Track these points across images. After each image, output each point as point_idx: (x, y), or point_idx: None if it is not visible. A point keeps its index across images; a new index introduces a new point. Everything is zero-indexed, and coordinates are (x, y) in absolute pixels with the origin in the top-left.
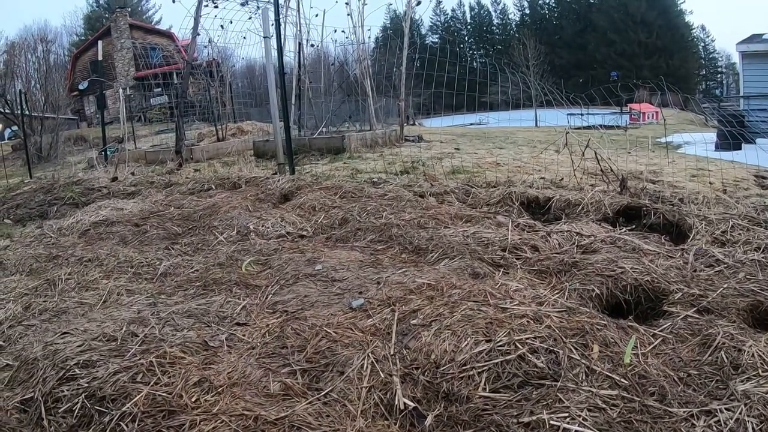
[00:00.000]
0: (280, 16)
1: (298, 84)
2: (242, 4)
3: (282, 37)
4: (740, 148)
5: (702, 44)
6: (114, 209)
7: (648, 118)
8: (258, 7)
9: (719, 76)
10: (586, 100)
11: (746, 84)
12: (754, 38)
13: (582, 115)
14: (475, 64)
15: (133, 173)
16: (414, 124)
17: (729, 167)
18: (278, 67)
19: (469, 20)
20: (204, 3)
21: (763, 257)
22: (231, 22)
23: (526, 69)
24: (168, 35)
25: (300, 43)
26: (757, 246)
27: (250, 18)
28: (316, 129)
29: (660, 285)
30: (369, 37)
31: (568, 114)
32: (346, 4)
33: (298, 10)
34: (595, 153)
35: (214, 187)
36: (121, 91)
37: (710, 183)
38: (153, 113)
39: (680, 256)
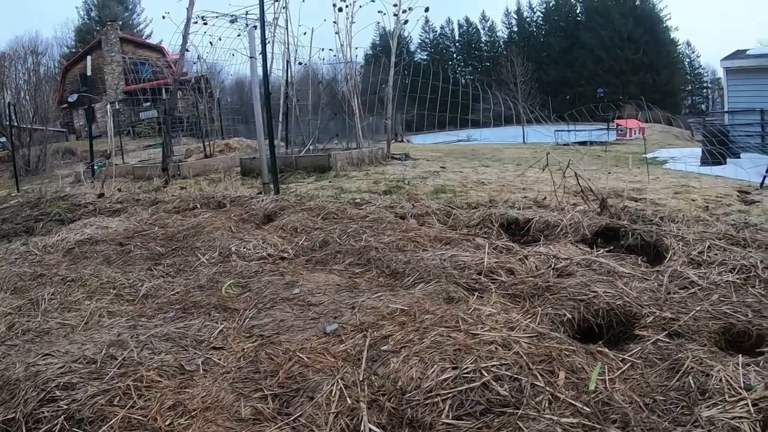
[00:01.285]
0: (268, 35)
1: (285, 102)
2: (231, 22)
3: (271, 55)
4: (725, 163)
5: (687, 60)
6: (99, 227)
7: (635, 134)
8: (246, 25)
9: (705, 91)
10: (575, 115)
11: (731, 99)
12: (738, 54)
13: (569, 131)
14: (463, 81)
15: (119, 189)
16: (402, 141)
17: (713, 183)
18: (264, 86)
19: (457, 37)
20: (193, 20)
21: (737, 278)
22: (220, 39)
23: (514, 86)
24: (158, 49)
25: (288, 61)
26: (733, 267)
27: (239, 35)
28: (303, 146)
29: (632, 309)
30: (356, 56)
31: (555, 130)
32: (334, 23)
33: (287, 29)
34: (575, 173)
35: (199, 206)
36: (108, 106)
37: (693, 200)
38: (142, 127)
39: (655, 278)
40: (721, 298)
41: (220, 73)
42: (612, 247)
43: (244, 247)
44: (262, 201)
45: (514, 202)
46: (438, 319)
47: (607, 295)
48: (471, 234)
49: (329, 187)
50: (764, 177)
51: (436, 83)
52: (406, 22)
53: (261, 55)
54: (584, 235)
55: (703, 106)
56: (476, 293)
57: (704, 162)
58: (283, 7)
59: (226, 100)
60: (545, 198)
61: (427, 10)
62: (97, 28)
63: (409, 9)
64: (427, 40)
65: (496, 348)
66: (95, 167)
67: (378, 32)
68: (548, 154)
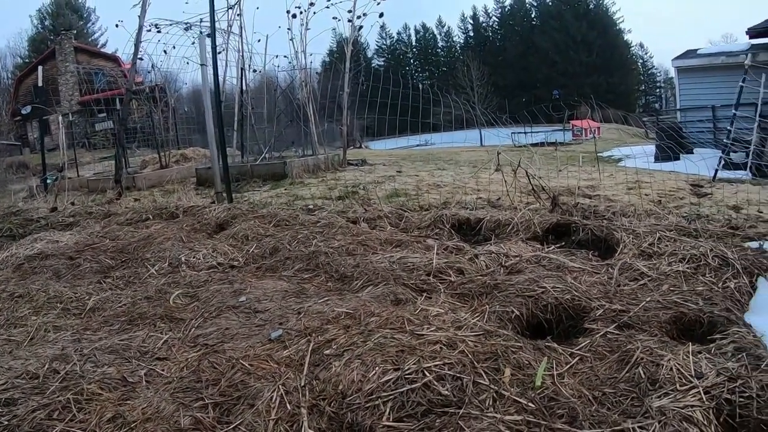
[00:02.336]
0: (222, 42)
1: (240, 110)
2: (185, 29)
3: (225, 63)
4: (679, 159)
5: (641, 61)
6: (50, 242)
7: (590, 134)
8: (201, 32)
9: (658, 90)
10: (531, 116)
11: (682, 97)
12: (689, 53)
13: (525, 133)
14: (421, 86)
15: (72, 203)
16: (360, 147)
17: (666, 177)
18: (215, 96)
19: (414, 43)
20: (146, 28)
21: (687, 268)
22: (174, 47)
23: (471, 90)
24: (113, 59)
25: (242, 69)
26: (683, 257)
27: (193, 43)
28: (259, 155)
29: (581, 302)
30: (311, 62)
31: (512, 133)
32: (288, 29)
33: (241, 36)
34: (526, 172)
35: (151, 217)
36: (60, 118)
37: (646, 195)
38: (97, 139)
39: (605, 271)
40: (672, 288)
41: (176, 82)
42: (563, 243)
43: (194, 257)
44: (215, 210)
45: (468, 203)
46: (383, 321)
47: (555, 290)
48: (422, 236)
49: (284, 194)
50: (716, 170)
51: (393, 88)
52: (360, 27)
53: (212, 63)
54: (535, 233)
55: (657, 105)
56: (424, 294)
57: (658, 159)
58: (238, 15)
59: (183, 109)
60: (499, 198)
61: (381, 15)
62: (52, 37)
63: (364, 15)
64: (384, 45)
65: (440, 348)
66: (48, 181)
67: (335, 39)
68: (499, 153)
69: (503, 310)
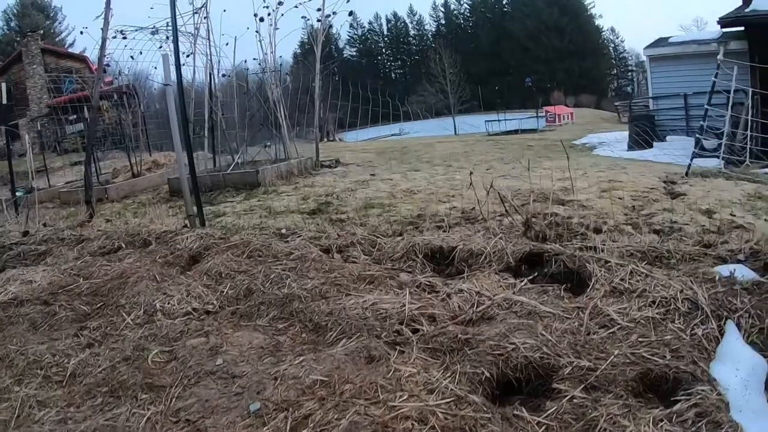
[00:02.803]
0: (189, 46)
1: (210, 116)
2: (153, 33)
3: (193, 68)
4: (652, 147)
5: (612, 45)
6: (23, 282)
7: (564, 119)
8: (167, 38)
9: (630, 74)
10: (502, 105)
11: (654, 85)
12: (661, 41)
13: (499, 121)
14: (393, 75)
15: (44, 224)
16: (334, 140)
17: (640, 172)
18: (181, 117)
19: (386, 32)
20: (111, 35)
21: (657, 313)
22: (141, 53)
23: (443, 78)
24: (81, 59)
25: (210, 74)
26: (653, 300)
27: (160, 47)
28: (232, 160)
29: (550, 360)
30: (281, 63)
31: (486, 121)
32: (257, 32)
33: (208, 39)
34: (499, 194)
35: (124, 245)
36: (27, 138)
37: (620, 198)
38: (68, 143)
39: (576, 316)
40: (640, 339)
41: (147, 79)
42: (536, 274)
43: (168, 303)
44: (187, 239)
45: (442, 217)
46: (357, 390)
47: (525, 346)
48: (395, 268)
49: (258, 207)
50: (689, 165)
51: (366, 79)
52: (330, 26)
53: (177, 80)
54: (508, 263)
55: (629, 89)
56: (397, 348)
57: (631, 147)
58: (204, 18)
59: (154, 107)
60: (473, 208)
61: (351, 14)
62: (18, 38)
63: (333, 13)
64: (355, 36)
65: (412, 425)
66: (18, 194)
67: (306, 30)
68: (471, 173)
69: (474, 372)
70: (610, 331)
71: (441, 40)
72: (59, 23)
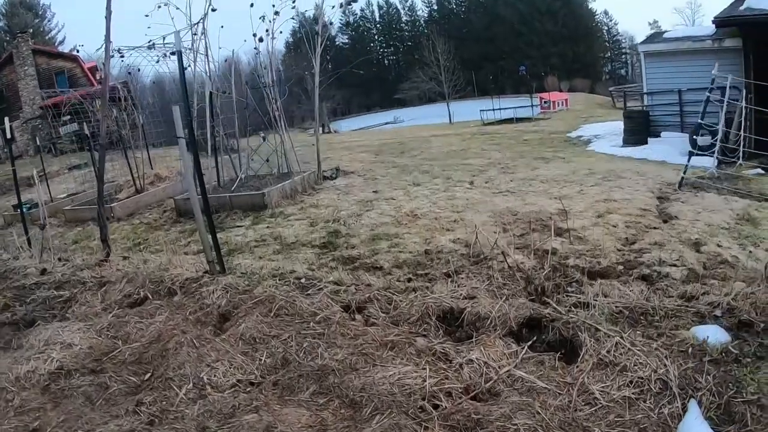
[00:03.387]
0: (187, 62)
1: (213, 134)
2: (149, 48)
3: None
4: (646, 143)
5: (606, 28)
6: (63, 346)
7: (558, 106)
8: (165, 55)
9: (623, 56)
10: (496, 90)
11: (649, 81)
12: (656, 37)
13: (494, 110)
14: (386, 62)
15: (60, 258)
16: (329, 132)
17: (634, 183)
18: (197, 174)
19: (378, 19)
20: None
21: (633, 393)
22: (139, 70)
23: (437, 65)
24: (72, 58)
25: (211, 93)
26: (631, 380)
27: (157, 61)
28: (232, 167)
29: None
30: (280, 77)
31: (480, 110)
32: (255, 48)
33: (207, 56)
34: (503, 253)
35: (150, 295)
36: (7, 125)
37: (614, 226)
38: (63, 144)
39: (566, 392)
40: (617, 418)
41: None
42: (535, 339)
43: (214, 375)
44: (213, 293)
45: (448, 257)
46: None
47: (525, 428)
48: (413, 332)
49: (268, 236)
50: (682, 178)
51: (359, 66)
52: (332, 23)
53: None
54: (511, 328)
55: (623, 71)
56: (423, 425)
57: (627, 142)
58: (202, 33)
59: (147, 100)
60: (476, 242)
61: (349, 3)
62: (8, 38)
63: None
64: (347, 23)
65: None
66: (24, 210)
67: (298, 18)
68: (477, 230)
69: None
70: (594, 408)
71: (434, 26)
72: (48, 21)
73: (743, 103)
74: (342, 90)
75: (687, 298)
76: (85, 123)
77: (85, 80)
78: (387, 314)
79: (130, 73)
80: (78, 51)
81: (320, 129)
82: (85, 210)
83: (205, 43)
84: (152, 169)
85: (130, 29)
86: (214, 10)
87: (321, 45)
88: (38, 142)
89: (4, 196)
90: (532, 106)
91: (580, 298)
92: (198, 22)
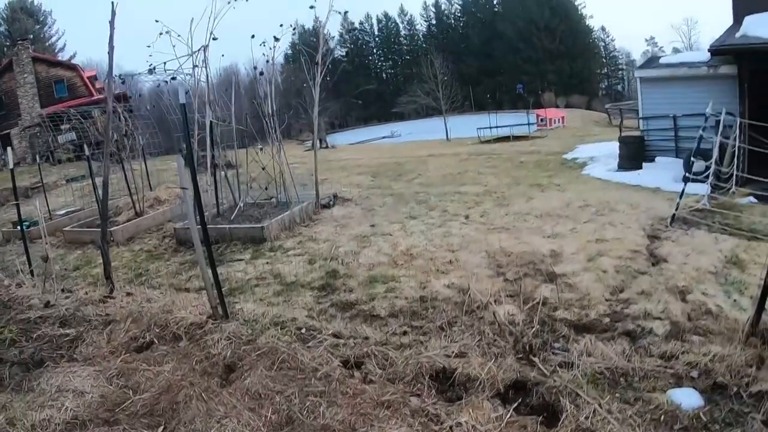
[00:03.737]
0: (189, 90)
1: (213, 164)
2: (150, 72)
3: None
4: (641, 167)
5: (603, 44)
6: (75, 394)
7: (555, 123)
8: (167, 81)
9: (620, 72)
10: (493, 106)
11: (645, 105)
12: (652, 62)
13: (491, 128)
14: (384, 75)
15: (63, 289)
16: (326, 147)
17: (627, 218)
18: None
19: (377, 32)
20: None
21: None
22: (140, 95)
23: (435, 85)
24: (72, 67)
25: (211, 122)
26: None
27: (158, 86)
28: (235, 204)
29: None
30: (279, 88)
31: (477, 128)
32: (256, 79)
33: (207, 85)
34: (494, 314)
35: (156, 340)
36: (10, 156)
37: (604, 271)
38: (61, 153)
39: None
40: None
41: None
42: (520, 401)
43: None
44: (218, 342)
45: (442, 307)
46: None
47: None
48: (407, 392)
49: (268, 273)
50: (674, 215)
51: (358, 79)
52: (331, 46)
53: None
54: (498, 390)
55: (620, 87)
56: None
57: (621, 166)
58: (203, 61)
59: (145, 108)
60: (468, 289)
61: (346, 12)
62: (8, 43)
63: (338, 12)
64: (346, 36)
65: None
66: (24, 227)
67: (296, 30)
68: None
69: None
70: None
71: (432, 41)
72: (49, 27)
73: (737, 131)
74: (339, 102)
75: (667, 357)
76: (82, 133)
77: (84, 89)
78: (384, 370)
79: (123, 82)
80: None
81: (317, 143)
82: (85, 233)
83: (206, 71)
84: (149, 182)
85: (132, 55)
86: (215, 39)
87: (321, 74)
88: (36, 150)
89: (1, 207)
90: (528, 124)
91: (565, 357)
92: (199, 50)
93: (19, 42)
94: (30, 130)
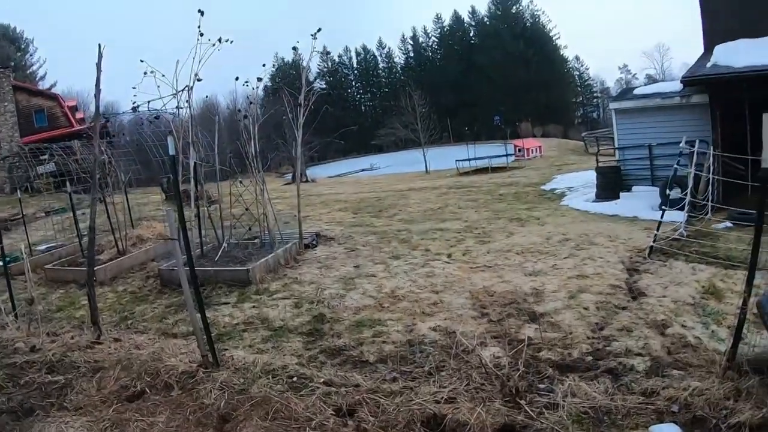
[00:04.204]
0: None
1: (197, 203)
2: (133, 110)
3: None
4: (618, 197)
5: (577, 73)
6: None
7: (532, 153)
8: (150, 121)
9: (595, 100)
10: (471, 137)
11: (620, 136)
12: (626, 93)
13: (469, 160)
14: (363, 108)
15: (48, 333)
16: (307, 181)
17: (606, 252)
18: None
19: (355, 65)
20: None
21: None
22: (124, 134)
23: (414, 118)
24: (53, 97)
25: (196, 163)
26: None
27: (141, 124)
28: (219, 244)
29: None
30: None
31: (456, 160)
32: (240, 121)
33: (191, 125)
34: (480, 358)
35: (147, 390)
36: None
37: (585, 309)
38: (40, 183)
39: None
40: None
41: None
42: None
43: None
44: (210, 393)
45: (429, 351)
46: None
47: None
48: None
49: (255, 318)
50: (651, 247)
51: (338, 112)
52: (315, 87)
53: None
54: None
55: (595, 115)
56: None
57: (599, 197)
58: (186, 102)
59: (126, 138)
60: (454, 334)
61: (327, 53)
62: None
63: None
64: (325, 68)
65: None
66: (6, 262)
67: (277, 63)
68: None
69: None
70: None
71: (410, 73)
72: (30, 55)
73: (711, 159)
74: (319, 137)
75: (648, 394)
76: (63, 167)
77: (64, 119)
78: (376, 418)
79: (107, 120)
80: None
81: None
82: (68, 271)
83: (190, 111)
84: (131, 217)
85: (114, 85)
86: (199, 80)
87: (303, 115)
88: (15, 181)
89: None
90: (506, 155)
91: (550, 398)
92: (183, 90)
93: (0, 70)
94: (9, 159)
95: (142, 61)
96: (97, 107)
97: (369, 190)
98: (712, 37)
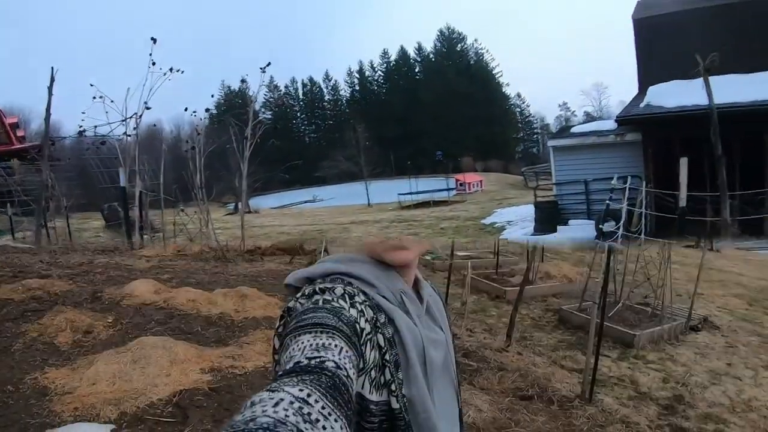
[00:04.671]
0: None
1: (141, 234)
2: (79, 134)
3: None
4: (556, 230)
5: (519, 110)
6: (474, 409)
7: (473, 187)
8: (97, 147)
9: (535, 136)
10: (413, 171)
11: (558, 172)
12: (564, 131)
13: (411, 194)
14: (307, 139)
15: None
16: (250, 212)
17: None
18: None
19: (301, 96)
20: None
21: None
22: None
23: (357, 153)
24: None
25: (141, 192)
26: None
27: (87, 149)
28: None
29: None
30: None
31: (398, 194)
32: (186, 151)
33: (137, 150)
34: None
35: (536, 397)
36: None
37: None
38: None
39: None
40: None
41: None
42: None
43: None
44: (579, 418)
45: None
46: None
47: None
48: None
49: (627, 378)
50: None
51: (281, 143)
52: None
53: None
54: None
55: (535, 150)
56: None
57: (537, 230)
58: (134, 129)
59: (66, 160)
60: None
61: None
62: None
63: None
64: (271, 99)
65: None
66: None
67: (222, 90)
68: None
69: None
70: None
71: (355, 106)
72: None
73: (643, 194)
74: (264, 167)
75: None
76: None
77: (4, 137)
78: None
79: (53, 144)
80: None
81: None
82: None
83: (137, 138)
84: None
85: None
86: (148, 108)
87: (249, 149)
88: None
89: None
90: (448, 189)
91: None
92: (131, 117)
93: None
94: None
95: (92, 85)
96: (47, 131)
97: (311, 223)
98: (646, 78)
